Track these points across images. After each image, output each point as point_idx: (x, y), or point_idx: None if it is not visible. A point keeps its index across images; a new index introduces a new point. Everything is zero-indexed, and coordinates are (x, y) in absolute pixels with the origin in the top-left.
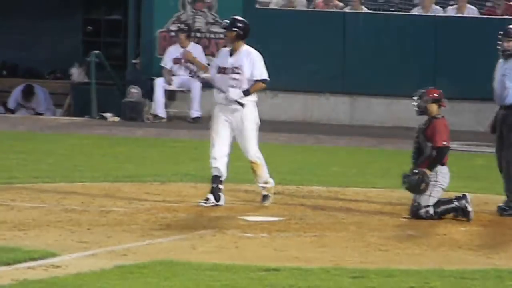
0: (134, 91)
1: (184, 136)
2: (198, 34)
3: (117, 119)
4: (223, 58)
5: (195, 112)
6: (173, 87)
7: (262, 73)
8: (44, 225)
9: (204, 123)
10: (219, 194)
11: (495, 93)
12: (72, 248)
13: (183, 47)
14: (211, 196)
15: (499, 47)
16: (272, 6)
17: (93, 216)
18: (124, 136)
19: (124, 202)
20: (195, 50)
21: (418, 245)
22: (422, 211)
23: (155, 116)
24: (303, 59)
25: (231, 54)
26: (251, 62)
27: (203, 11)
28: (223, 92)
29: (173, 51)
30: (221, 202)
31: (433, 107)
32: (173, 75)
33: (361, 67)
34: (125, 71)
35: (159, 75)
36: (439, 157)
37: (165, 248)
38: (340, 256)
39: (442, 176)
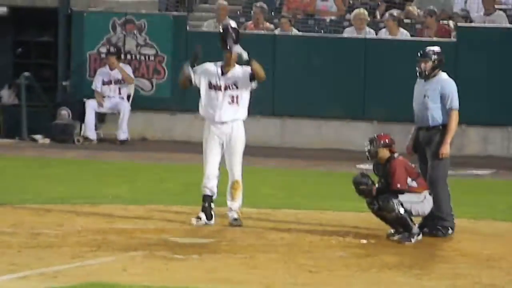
0: (64, 113)
1: (114, 158)
2: (129, 56)
3: (47, 141)
4: (213, 75)
5: (123, 134)
6: (103, 109)
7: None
8: None
9: (132, 144)
10: (211, 213)
11: (416, 114)
12: (2, 270)
13: (112, 69)
14: (202, 215)
15: (417, 68)
16: (203, 29)
17: (24, 238)
18: (54, 158)
19: (54, 224)
20: (125, 70)
21: (348, 267)
22: (395, 201)
23: (86, 138)
24: None
25: (222, 73)
26: (244, 76)
27: (134, 33)
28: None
29: (103, 72)
30: (213, 221)
31: (384, 152)
32: (104, 96)
33: (291, 90)
34: (55, 93)
35: (89, 97)
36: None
37: (96, 270)
38: (271, 278)
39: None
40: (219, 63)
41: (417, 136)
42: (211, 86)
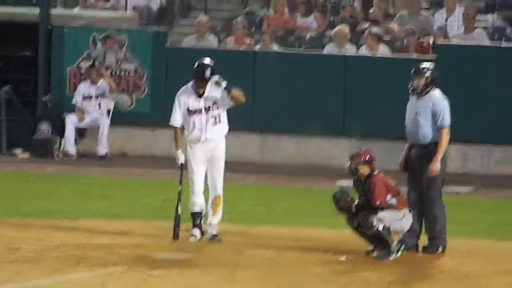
0: (44, 127)
1: (94, 173)
2: (109, 71)
3: (27, 155)
4: (191, 100)
5: (103, 149)
6: (83, 124)
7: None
8: None
9: (112, 160)
10: (202, 230)
11: (407, 131)
12: None
13: (93, 83)
14: (197, 232)
15: (410, 85)
16: (184, 44)
17: (2, 253)
18: (34, 172)
19: (33, 239)
20: (105, 86)
21: (327, 283)
22: (374, 218)
23: (65, 153)
24: None
25: (199, 95)
26: (219, 92)
27: (114, 48)
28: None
29: (84, 87)
30: (203, 237)
31: (365, 169)
32: (83, 112)
33: (271, 105)
34: (35, 108)
35: (69, 111)
36: (372, 209)
37: (75, 285)
38: None
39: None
40: (190, 86)
41: (408, 153)
42: (190, 111)
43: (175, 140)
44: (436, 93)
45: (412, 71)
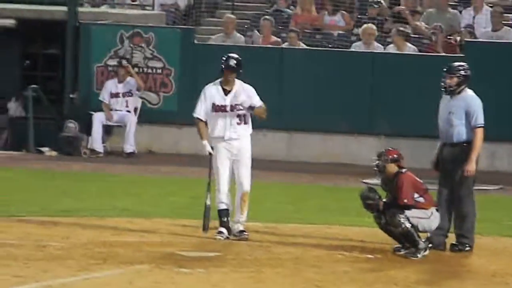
0: (71, 125)
1: (120, 171)
2: (136, 69)
3: (54, 153)
4: (217, 96)
5: (130, 147)
6: (110, 122)
7: (259, 101)
8: None
9: (139, 157)
10: (229, 227)
11: (440, 130)
12: (8, 283)
13: (121, 81)
14: (224, 230)
15: (442, 83)
16: (211, 42)
17: (30, 251)
18: (61, 170)
19: (61, 236)
20: (132, 82)
21: (354, 281)
22: (402, 216)
23: (92, 151)
24: None
25: (225, 92)
26: (247, 95)
27: (141, 46)
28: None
29: (111, 85)
30: (231, 235)
31: (392, 167)
32: (111, 109)
33: (298, 104)
34: (62, 106)
35: (96, 109)
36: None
37: (102, 283)
38: None
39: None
40: (218, 82)
41: (441, 152)
42: (215, 108)
43: (199, 131)
44: (470, 92)
45: (444, 70)
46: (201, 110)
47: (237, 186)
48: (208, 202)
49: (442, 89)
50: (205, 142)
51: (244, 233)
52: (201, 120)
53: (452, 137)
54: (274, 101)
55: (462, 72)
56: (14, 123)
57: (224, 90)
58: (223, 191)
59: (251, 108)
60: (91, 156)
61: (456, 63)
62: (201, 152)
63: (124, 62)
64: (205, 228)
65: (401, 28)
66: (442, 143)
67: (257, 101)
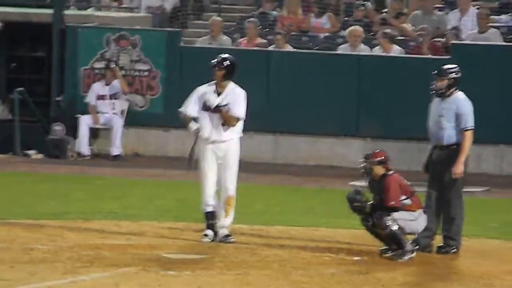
0: (58, 128)
1: (107, 174)
2: (123, 72)
3: (40, 156)
4: (209, 96)
5: (116, 150)
6: (97, 124)
7: (239, 111)
8: None
9: (126, 160)
10: (215, 230)
11: (430, 132)
12: None
13: (107, 83)
14: (210, 232)
15: (433, 86)
16: (197, 44)
17: (16, 254)
18: (47, 173)
19: (47, 239)
20: (119, 87)
21: (341, 284)
22: (389, 218)
23: (79, 154)
24: None
25: (218, 93)
26: (233, 99)
27: (128, 48)
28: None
29: (98, 87)
30: (217, 237)
31: (379, 169)
32: (97, 112)
33: (284, 105)
34: (49, 108)
35: (83, 112)
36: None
37: (88, 286)
38: None
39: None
40: (212, 83)
41: (431, 154)
42: (205, 107)
43: (185, 121)
44: (460, 95)
45: (434, 73)
46: (188, 105)
47: (222, 190)
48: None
49: (433, 92)
50: (191, 123)
51: (230, 237)
52: (186, 114)
53: (442, 140)
54: (261, 103)
55: (453, 75)
56: (0, 126)
57: (217, 91)
58: (209, 193)
59: (219, 111)
60: (78, 159)
61: (447, 66)
62: (187, 154)
63: (112, 65)
64: (189, 167)
65: (387, 30)
66: (433, 146)
67: (237, 111)
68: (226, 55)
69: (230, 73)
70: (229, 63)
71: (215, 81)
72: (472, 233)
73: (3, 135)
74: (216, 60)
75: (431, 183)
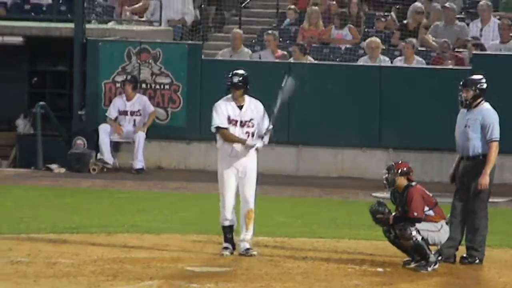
0: (80, 142)
1: (130, 187)
2: (144, 85)
3: (63, 170)
4: (230, 109)
5: (139, 163)
6: (118, 138)
7: (266, 124)
8: None
9: (148, 173)
10: (234, 243)
11: (457, 143)
12: None
13: (129, 99)
14: (229, 245)
15: (459, 97)
16: (218, 57)
17: (40, 268)
18: (70, 187)
19: (70, 253)
20: (141, 101)
21: None
22: (412, 229)
23: (101, 161)
24: None
25: (239, 107)
26: (259, 115)
27: (149, 62)
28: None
29: (119, 102)
30: (238, 251)
31: (402, 180)
32: (119, 125)
33: (306, 118)
34: (70, 122)
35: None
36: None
37: None
38: None
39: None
40: (229, 98)
41: (458, 165)
42: (230, 120)
43: (231, 138)
44: (486, 106)
45: (460, 84)
46: (220, 120)
47: (241, 204)
48: None
49: (459, 103)
50: (248, 140)
51: (251, 250)
52: (225, 128)
53: (468, 151)
54: (283, 116)
55: (478, 86)
56: (23, 140)
57: (237, 105)
58: (228, 207)
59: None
60: (100, 171)
61: (473, 77)
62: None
63: (129, 77)
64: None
65: (409, 41)
66: (459, 156)
67: (266, 125)
68: (240, 72)
69: (247, 88)
70: (246, 80)
71: (230, 96)
72: (495, 243)
73: (25, 150)
74: (233, 79)
75: (457, 194)
